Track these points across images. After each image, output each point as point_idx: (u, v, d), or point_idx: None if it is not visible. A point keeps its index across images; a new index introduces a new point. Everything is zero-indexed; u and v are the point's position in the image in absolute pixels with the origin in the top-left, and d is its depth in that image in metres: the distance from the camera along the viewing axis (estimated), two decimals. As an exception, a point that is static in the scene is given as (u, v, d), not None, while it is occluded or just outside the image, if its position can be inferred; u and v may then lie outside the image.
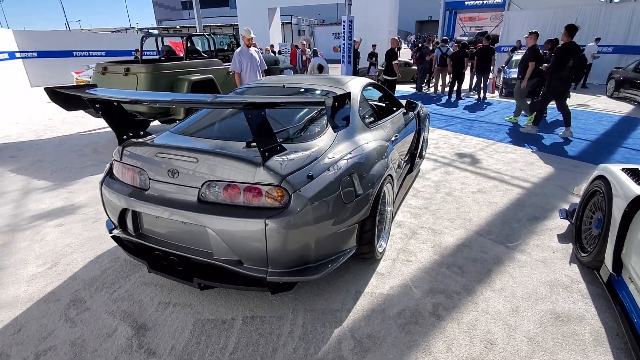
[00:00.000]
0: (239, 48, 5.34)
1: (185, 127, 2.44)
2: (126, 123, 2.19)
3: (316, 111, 2.46)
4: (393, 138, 2.99)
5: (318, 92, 2.78)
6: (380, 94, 3.79)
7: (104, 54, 17.06)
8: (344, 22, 11.58)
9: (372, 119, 2.85)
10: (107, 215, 2.25)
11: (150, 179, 1.98)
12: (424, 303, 2.13)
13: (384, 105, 3.88)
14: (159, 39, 7.12)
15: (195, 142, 2.19)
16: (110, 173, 2.27)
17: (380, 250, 2.47)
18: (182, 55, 6.72)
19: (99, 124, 6.97)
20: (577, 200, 2.99)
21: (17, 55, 14.35)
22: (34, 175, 4.43)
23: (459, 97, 9.85)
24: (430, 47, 11.18)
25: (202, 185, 1.84)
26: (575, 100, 9.65)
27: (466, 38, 23.16)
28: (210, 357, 1.78)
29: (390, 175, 2.57)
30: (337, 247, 2.04)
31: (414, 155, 4.06)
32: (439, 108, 8.77)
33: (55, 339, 1.91)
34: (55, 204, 3.57)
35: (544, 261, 2.52)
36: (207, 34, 6.45)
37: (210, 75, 5.73)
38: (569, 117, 5.79)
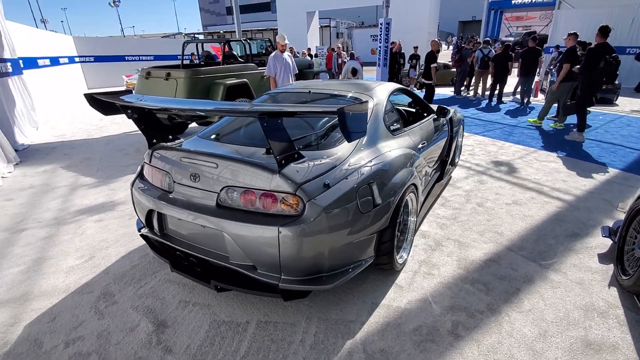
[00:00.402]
0: (274, 53, 5.45)
1: (212, 132, 2.53)
2: (155, 127, 2.30)
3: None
4: (420, 145, 2.90)
5: (343, 98, 2.76)
6: (410, 100, 3.69)
7: (152, 59, 18.15)
8: (381, 24, 11.45)
9: (398, 125, 2.79)
10: (137, 214, 2.38)
11: (174, 182, 2.07)
12: (443, 320, 2.04)
13: (413, 111, 3.77)
14: (199, 45, 7.46)
15: (218, 147, 2.26)
16: (140, 175, 2.40)
17: (400, 261, 2.40)
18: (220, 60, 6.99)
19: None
20: (623, 216, 2.72)
21: (76, 59, 15.64)
22: (82, 172, 4.79)
23: (500, 102, 9.37)
24: (471, 49, 10.73)
25: (221, 190, 1.89)
26: (629, 105, 8.84)
27: (512, 39, 22.01)
28: (222, 359, 1.82)
29: (413, 184, 2.49)
30: (353, 257, 2.01)
31: (445, 162, 3.92)
32: (477, 112, 8.40)
33: (84, 329, 2.05)
34: (98, 200, 3.84)
35: (580, 282, 2.32)
36: (244, 40, 6.65)
37: (245, 80, 5.90)
38: (584, 122, 5.72)
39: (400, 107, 3.80)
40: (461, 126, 4.50)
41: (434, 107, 3.62)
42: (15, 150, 5.92)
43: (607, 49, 5.24)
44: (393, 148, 2.45)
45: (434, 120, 3.53)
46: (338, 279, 1.88)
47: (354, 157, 2.12)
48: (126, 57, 17.69)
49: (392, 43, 12.57)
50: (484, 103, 9.54)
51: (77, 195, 4.01)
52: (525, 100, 8.99)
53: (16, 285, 2.47)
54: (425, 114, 3.60)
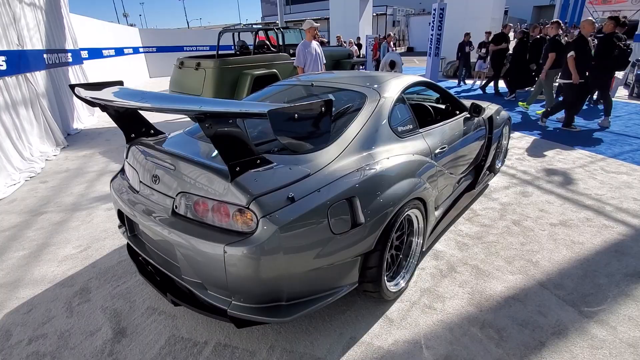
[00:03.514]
0: (302, 42, 5.16)
1: (197, 128, 2.33)
2: (133, 121, 2.16)
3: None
4: (439, 150, 2.45)
5: (347, 92, 2.40)
6: (437, 95, 3.19)
7: (207, 49, 18.87)
8: (434, 10, 10.54)
9: (410, 126, 2.36)
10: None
11: (141, 182, 1.91)
12: (432, 372, 1.65)
13: (442, 108, 3.27)
14: (236, 34, 7.43)
15: (195, 146, 2.05)
16: (122, 171, 2.29)
17: (393, 289, 2.02)
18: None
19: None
20: None
21: (140, 50, 16.77)
22: (114, 159, 4.97)
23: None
24: (537, 36, 9.42)
25: (176, 196, 1.68)
26: None
27: (596, 25, 19.19)
28: (166, 384, 1.63)
29: (420, 199, 2.08)
30: (325, 284, 1.69)
31: (480, 168, 3.37)
32: (538, 108, 7.35)
33: (51, 326, 1.99)
34: (115, 188, 3.92)
35: (634, 345, 1.76)
36: (277, 28, 6.43)
37: (274, 70, 5.70)
38: (610, 106, 5.86)
39: (424, 104, 3.31)
40: (506, 127, 3.85)
41: (468, 103, 3.09)
42: (68, 134, 6.42)
43: (618, 37, 5.59)
44: (396, 154, 2.06)
45: (466, 119, 3.01)
46: (299, 310, 1.58)
47: (337, 165, 1.78)
48: (184, 48, 18.58)
49: (388, 36, 11.37)
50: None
51: (100, 182, 4.14)
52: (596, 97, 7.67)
53: (14, 270, 2.53)
54: (457, 112, 3.09)
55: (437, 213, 2.56)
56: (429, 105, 3.29)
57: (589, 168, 4.12)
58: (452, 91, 9.56)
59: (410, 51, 30.16)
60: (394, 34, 35.80)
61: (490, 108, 3.58)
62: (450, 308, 2.03)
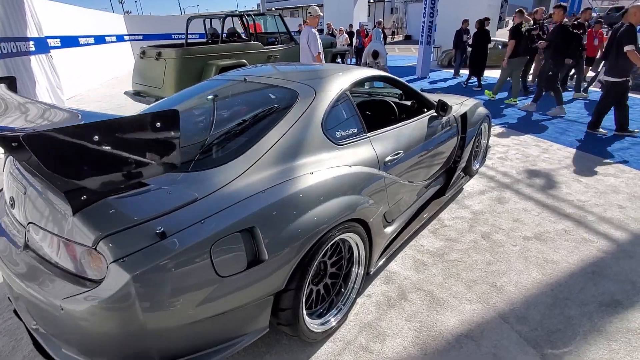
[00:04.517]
0: (311, 28, 4.93)
1: None
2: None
3: (248, 121, 1.76)
4: (390, 157, 2.10)
5: (280, 90, 2.04)
6: (399, 92, 2.83)
7: (197, 37, 18.28)
8: (425, -5, 10.01)
9: (352, 130, 2.00)
10: None
11: (6, 202, 1.56)
12: None
13: (408, 105, 2.90)
14: (207, 21, 6.96)
15: None
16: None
17: (319, 330, 1.69)
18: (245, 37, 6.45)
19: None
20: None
21: (126, 38, 16.18)
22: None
23: (563, 89, 7.71)
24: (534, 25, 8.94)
25: (27, 225, 1.34)
26: None
27: (595, 14, 18.54)
28: None
29: (359, 220, 1.74)
30: (218, 336, 1.36)
31: (452, 171, 3.03)
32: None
33: None
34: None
35: (601, 405, 1.44)
36: (247, 14, 5.98)
37: (243, 60, 5.30)
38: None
39: (390, 102, 2.94)
40: (484, 124, 3.49)
41: (436, 99, 2.72)
42: (28, 129, 6.03)
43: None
44: (327, 166, 1.70)
45: (432, 118, 2.65)
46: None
47: (240, 184, 1.42)
48: (173, 36, 17.98)
49: (378, 23, 10.76)
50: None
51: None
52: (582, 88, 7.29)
53: None
54: (424, 110, 2.73)
55: (392, 229, 2.23)
56: (394, 104, 2.92)
57: (574, 169, 3.77)
58: (447, 83, 9.21)
59: (408, 39, 29.40)
60: (393, 22, 34.88)
61: (465, 104, 3.22)
62: (389, 350, 1.71)
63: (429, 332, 1.81)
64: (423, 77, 10.45)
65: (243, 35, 6.63)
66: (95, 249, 1.12)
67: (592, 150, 4.29)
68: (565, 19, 5.87)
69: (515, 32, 6.47)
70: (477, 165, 3.58)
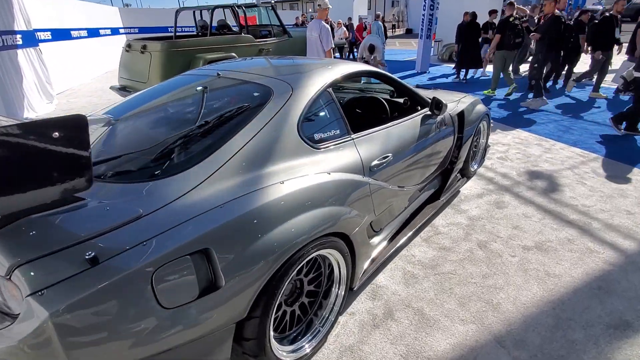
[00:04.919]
0: (327, 24, 4.76)
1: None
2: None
3: (212, 122, 1.56)
4: (377, 161, 1.90)
5: (254, 86, 1.84)
6: (391, 89, 2.62)
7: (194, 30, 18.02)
8: (425, -13, 9.72)
9: (335, 131, 1.80)
10: None
11: None
12: None
13: (400, 103, 2.70)
14: (196, 13, 6.72)
15: None
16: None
17: (289, 359, 1.51)
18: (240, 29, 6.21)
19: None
20: None
21: (121, 31, 15.91)
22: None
23: (566, 84, 7.47)
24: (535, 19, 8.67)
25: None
26: None
27: (600, 7, 18.17)
28: None
29: (339, 234, 1.56)
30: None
31: (449, 173, 2.84)
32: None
33: None
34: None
35: None
36: (237, 6, 5.75)
37: (233, 54, 5.08)
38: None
39: (382, 100, 2.74)
40: (483, 122, 3.28)
41: (431, 97, 2.52)
42: (13, 125, 5.84)
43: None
44: (302, 173, 1.51)
45: (426, 117, 2.45)
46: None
47: (196, 197, 1.23)
48: (169, 29, 17.69)
49: (377, 16, 10.47)
50: (547, 85, 7.69)
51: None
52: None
53: None
54: (418, 108, 2.53)
55: (379, 238, 2.05)
56: (386, 102, 2.71)
57: (579, 170, 3.57)
58: (448, 79, 8.94)
59: (409, 33, 28.95)
60: (393, 15, 34.36)
61: (462, 101, 3.01)
62: (370, 380, 1.53)
63: (415, 355, 1.62)
64: (422, 72, 10.19)
65: (234, 28, 6.39)
66: (9, 279, 0.93)
67: (597, 150, 4.08)
68: (557, 12, 5.64)
69: (501, 24, 6.45)
70: (475, 167, 3.38)
